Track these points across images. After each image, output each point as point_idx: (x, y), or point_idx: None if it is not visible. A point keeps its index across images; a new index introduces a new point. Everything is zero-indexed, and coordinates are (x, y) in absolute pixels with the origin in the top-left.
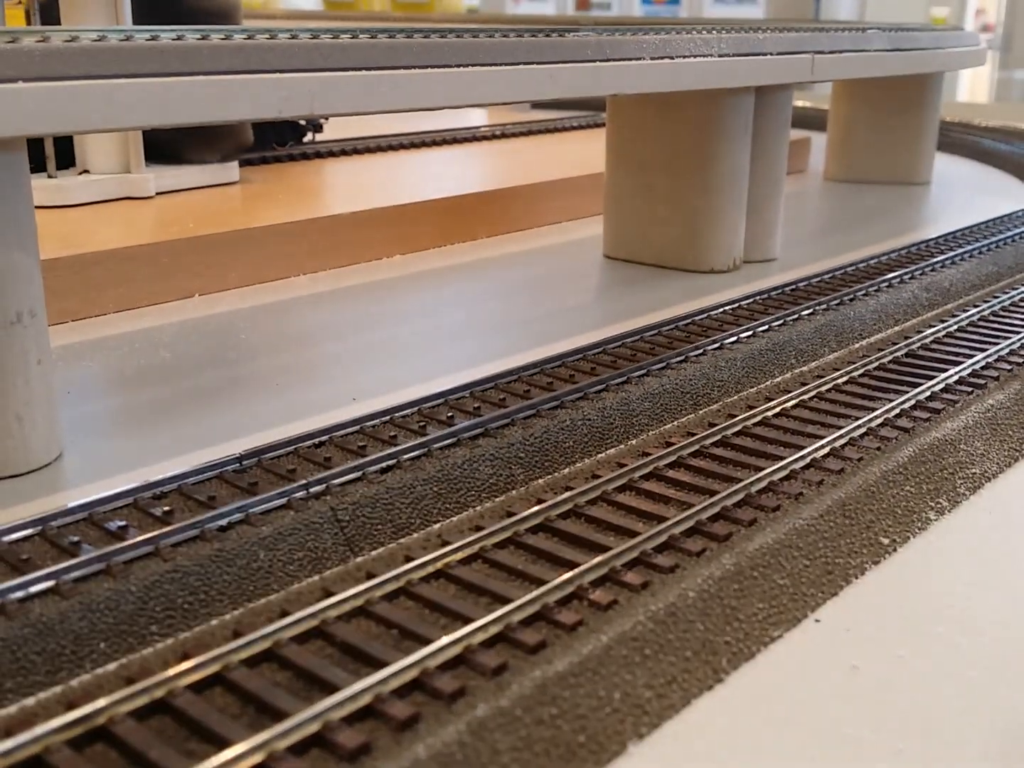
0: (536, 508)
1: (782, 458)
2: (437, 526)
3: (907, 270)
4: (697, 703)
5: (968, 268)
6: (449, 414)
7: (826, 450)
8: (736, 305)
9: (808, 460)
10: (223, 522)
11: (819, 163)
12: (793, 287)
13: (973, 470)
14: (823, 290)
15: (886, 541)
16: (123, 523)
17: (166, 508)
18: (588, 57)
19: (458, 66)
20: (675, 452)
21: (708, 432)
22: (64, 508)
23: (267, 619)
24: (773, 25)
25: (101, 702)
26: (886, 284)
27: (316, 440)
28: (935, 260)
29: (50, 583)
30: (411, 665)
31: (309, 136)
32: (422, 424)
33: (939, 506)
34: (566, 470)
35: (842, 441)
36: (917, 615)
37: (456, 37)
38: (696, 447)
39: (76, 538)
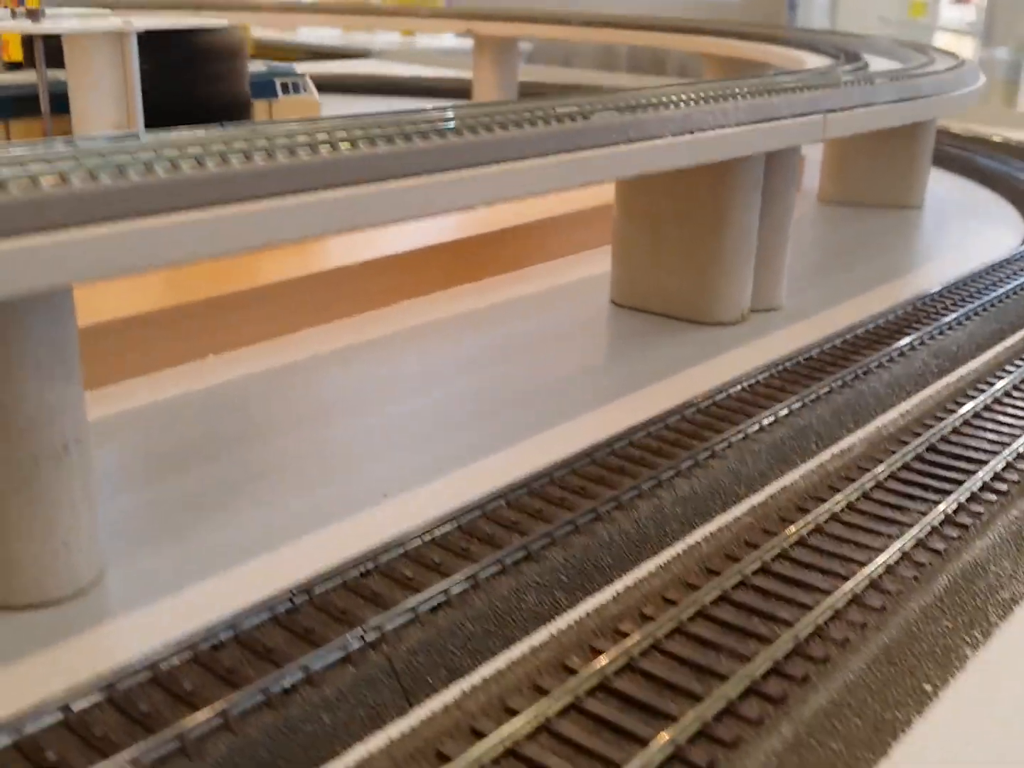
0: (595, 667)
1: (824, 591)
2: (491, 668)
3: (915, 335)
4: None
5: (973, 329)
6: (489, 530)
7: (866, 583)
8: (755, 381)
9: (850, 596)
10: (287, 684)
11: (812, 179)
12: (807, 355)
13: (1003, 595)
14: (836, 359)
15: (929, 688)
16: (190, 687)
17: (227, 665)
18: (612, 140)
19: (491, 163)
20: (718, 584)
21: (749, 558)
22: (129, 668)
23: None
24: (789, 84)
25: None
26: (897, 353)
27: (362, 569)
28: (941, 322)
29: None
30: None
31: None
32: (464, 546)
33: (974, 640)
34: (608, 591)
35: (880, 570)
36: None
37: (486, 131)
38: (738, 577)
39: (146, 708)
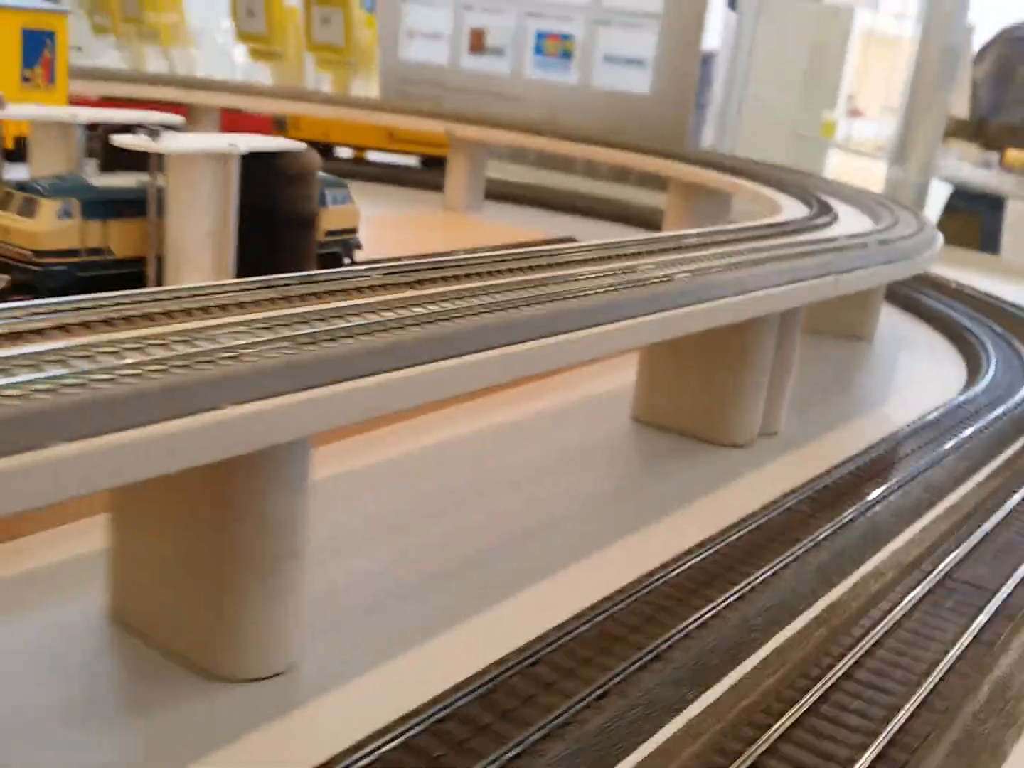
0: None
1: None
2: None
3: (906, 474)
4: None
5: (949, 465)
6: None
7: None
8: (754, 526)
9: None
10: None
11: None
12: (808, 495)
13: None
14: (836, 496)
15: None
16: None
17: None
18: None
19: (539, 337)
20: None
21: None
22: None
23: None
24: (809, 250)
25: None
26: (892, 491)
27: None
28: (922, 462)
29: None
30: None
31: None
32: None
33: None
34: None
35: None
36: None
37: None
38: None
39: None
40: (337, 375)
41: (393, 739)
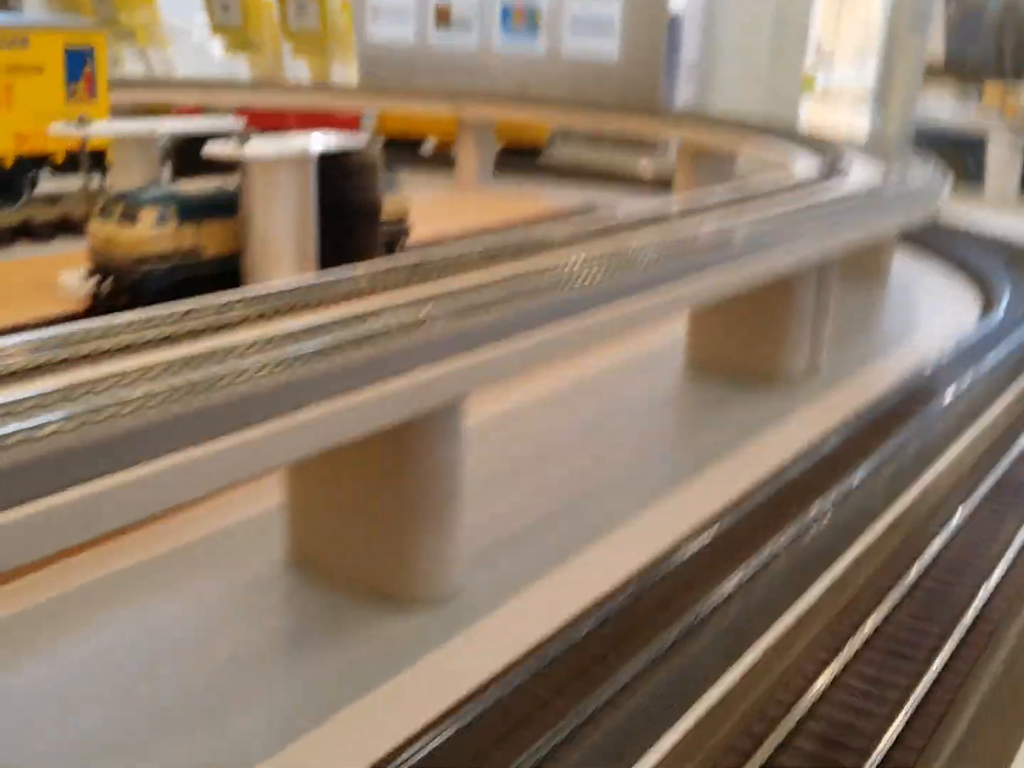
0: None
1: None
2: None
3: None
4: None
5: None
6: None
7: None
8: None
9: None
10: None
11: None
12: (862, 423)
13: None
14: (889, 420)
15: None
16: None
17: None
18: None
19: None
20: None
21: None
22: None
23: None
24: (854, 203)
25: None
26: (937, 413)
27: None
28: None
29: None
30: None
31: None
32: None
33: None
34: None
35: None
36: None
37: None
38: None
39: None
40: (494, 339)
41: (559, 642)
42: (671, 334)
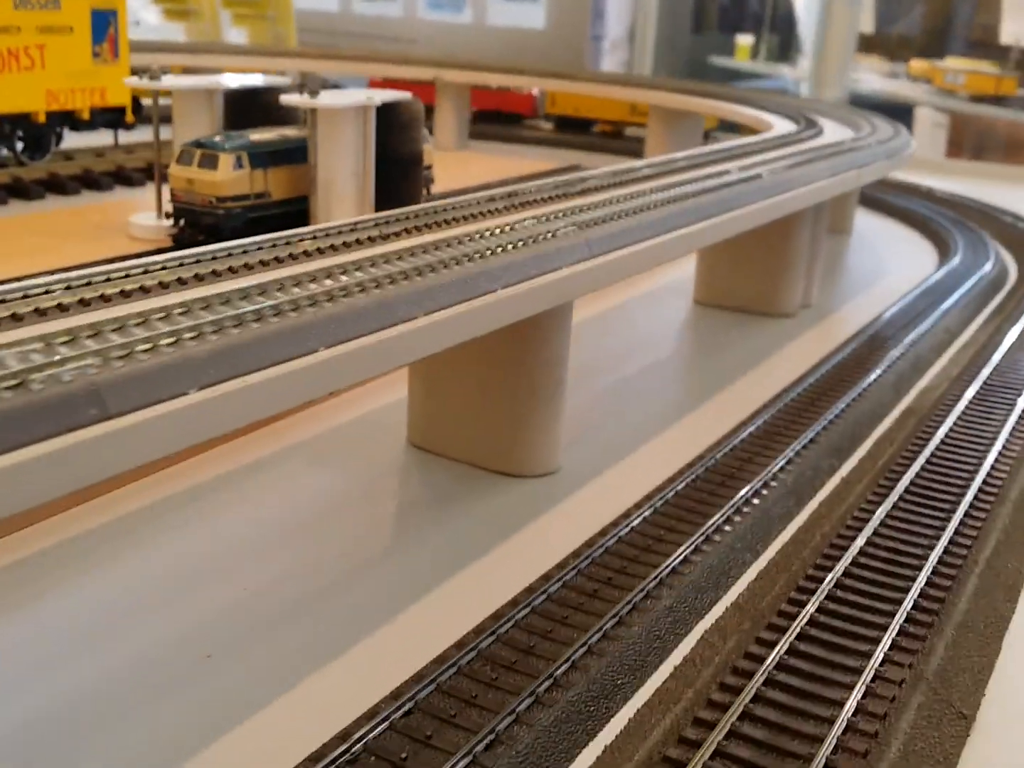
0: None
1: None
2: None
3: (926, 324)
4: None
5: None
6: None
7: None
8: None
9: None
10: None
11: None
12: (856, 345)
13: None
14: (880, 341)
15: None
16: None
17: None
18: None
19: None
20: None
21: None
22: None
23: None
24: (844, 148)
25: None
26: (921, 336)
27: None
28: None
29: None
30: None
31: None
32: None
33: None
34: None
35: None
36: None
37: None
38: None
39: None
40: (604, 249)
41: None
42: (677, 276)
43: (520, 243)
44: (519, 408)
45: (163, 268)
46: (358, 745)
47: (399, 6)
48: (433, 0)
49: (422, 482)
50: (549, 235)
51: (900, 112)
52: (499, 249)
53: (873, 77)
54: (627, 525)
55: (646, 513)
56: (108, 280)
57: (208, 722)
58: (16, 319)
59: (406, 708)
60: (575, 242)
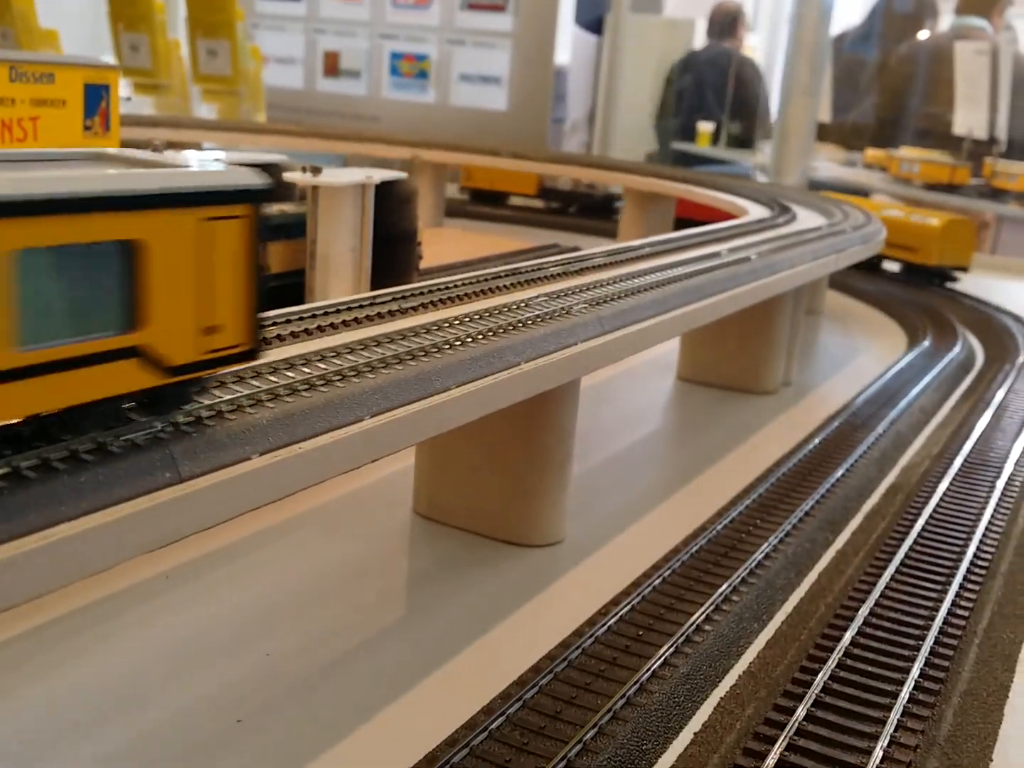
0: None
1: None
2: None
3: (905, 403)
4: None
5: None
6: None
7: None
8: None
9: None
10: None
11: None
12: (838, 423)
13: None
14: (862, 419)
15: None
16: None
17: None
18: (728, 288)
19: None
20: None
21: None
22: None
23: None
24: (824, 234)
25: None
26: (900, 414)
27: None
28: (914, 391)
29: None
30: None
31: None
32: None
33: None
34: None
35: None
36: None
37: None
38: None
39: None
40: (615, 326)
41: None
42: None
43: (538, 319)
44: (529, 479)
45: None
46: None
47: (363, 85)
48: (398, 80)
49: (426, 553)
50: (564, 311)
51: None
52: (520, 324)
53: (831, 165)
54: (638, 594)
55: (655, 583)
56: None
57: None
58: None
59: None
60: (588, 319)
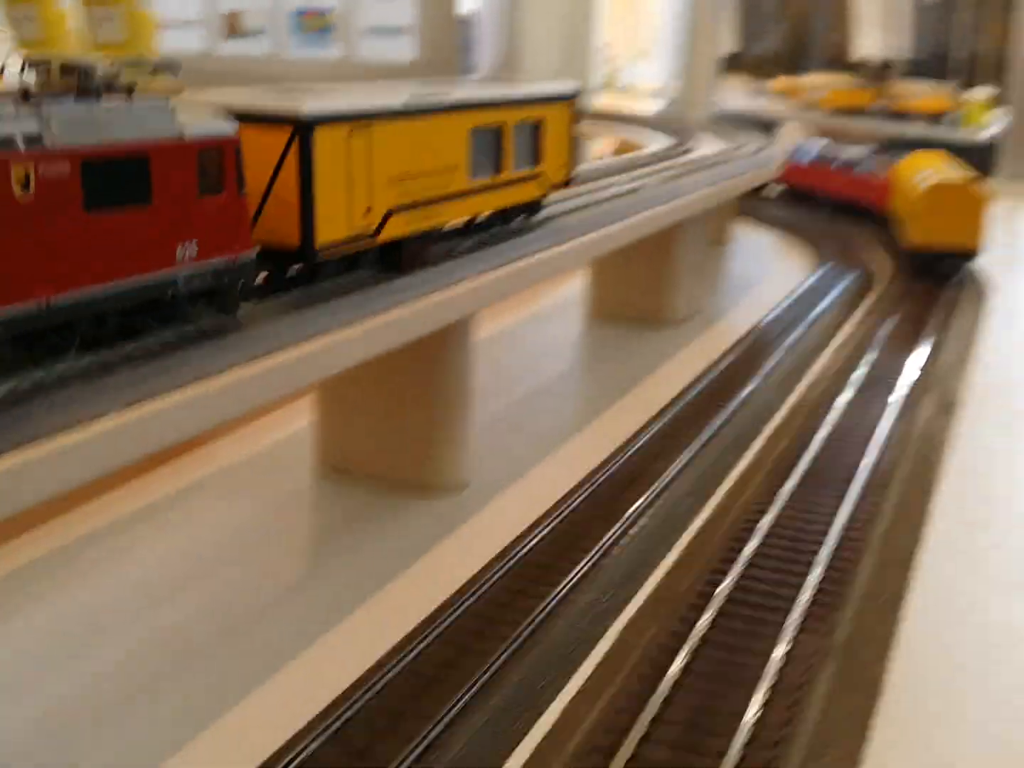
0: None
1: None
2: None
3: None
4: None
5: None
6: None
7: None
8: (726, 364)
9: None
10: None
11: None
12: (748, 343)
13: None
14: (771, 337)
15: None
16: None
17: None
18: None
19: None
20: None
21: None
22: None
23: None
24: (721, 159)
25: None
26: (805, 332)
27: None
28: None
29: None
30: None
31: None
32: None
33: None
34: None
35: None
36: None
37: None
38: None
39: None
40: (498, 264)
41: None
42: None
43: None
44: (429, 422)
45: None
46: None
47: (265, 44)
48: (301, 38)
49: (334, 505)
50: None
51: (766, 126)
52: None
53: (739, 95)
54: (536, 535)
55: (554, 522)
56: None
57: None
58: None
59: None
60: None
